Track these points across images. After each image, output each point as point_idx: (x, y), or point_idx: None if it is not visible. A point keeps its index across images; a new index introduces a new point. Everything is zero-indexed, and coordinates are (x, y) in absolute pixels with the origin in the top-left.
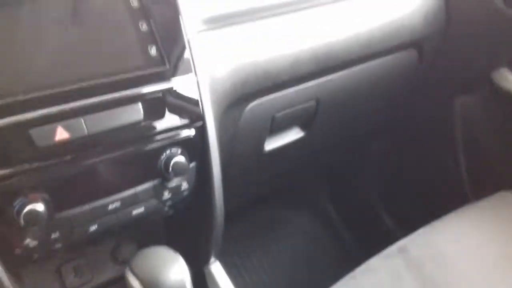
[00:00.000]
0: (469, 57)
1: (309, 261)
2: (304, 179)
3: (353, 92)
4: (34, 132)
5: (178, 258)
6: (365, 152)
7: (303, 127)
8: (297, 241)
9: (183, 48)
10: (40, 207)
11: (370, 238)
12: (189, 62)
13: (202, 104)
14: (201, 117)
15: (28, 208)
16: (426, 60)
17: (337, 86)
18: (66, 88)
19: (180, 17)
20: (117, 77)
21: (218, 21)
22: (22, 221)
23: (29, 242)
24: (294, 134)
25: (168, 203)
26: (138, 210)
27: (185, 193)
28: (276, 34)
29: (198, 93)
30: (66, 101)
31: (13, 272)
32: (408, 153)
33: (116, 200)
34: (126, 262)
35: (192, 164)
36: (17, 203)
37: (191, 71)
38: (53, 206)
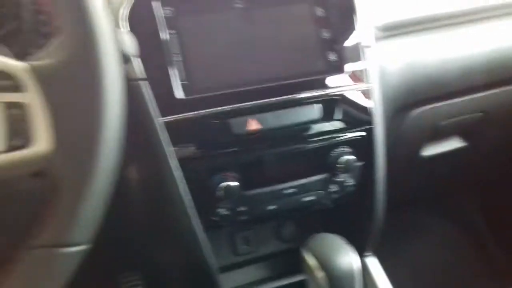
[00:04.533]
0: None
1: (452, 273)
2: (455, 187)
3: None
4: (232, 122)
5: (349, 246)
6: None
7: (465, 137)
8: (440, 251)
9: (360, 55)
10: (233, 183)
11: None
12: (365, 68)
13: (373, 109)
14: (371, 121)
15: (224, 183)
16: None
17: (509, 100)
18: (260, 86)
19: (358, 25)
20: (300, 80)
21: (393, 29)
22: (219, 194)
23: (222, 211)
24: (455, 143)
25: (334, 195)
26: (308, 198)
27: (350, 188)
28: (449, 44)
29: (371, 98)
30: (260, 97)
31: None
32: None
33: (292, 187)
34: (287, 240)
35: (359, 163)
36: (216, 179)
37: (365, 78)
38: (242, 184)
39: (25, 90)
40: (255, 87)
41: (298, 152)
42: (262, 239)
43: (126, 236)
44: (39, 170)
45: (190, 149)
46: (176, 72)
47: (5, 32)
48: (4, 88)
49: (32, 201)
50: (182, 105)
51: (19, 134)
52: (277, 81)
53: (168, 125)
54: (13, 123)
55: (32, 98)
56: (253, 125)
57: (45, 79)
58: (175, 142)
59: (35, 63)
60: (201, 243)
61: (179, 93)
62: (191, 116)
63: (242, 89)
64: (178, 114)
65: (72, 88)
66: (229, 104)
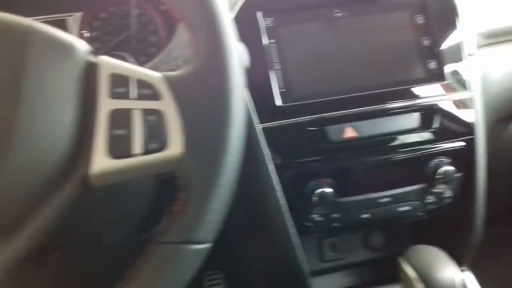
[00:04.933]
0: None
1: None
2: None
3: None
4: (329, 129)
5: (449, 259)
6: None
7: None
8: None
9: (462, 63)
10: (328, 190)
11: None
12: (467, 77)
13: (474, 118)
14: (472, 131)
15: (320, 190)
16: None
17: None
18: (357, 94)
19: (460, 32)
20: (399, 88)
21: (496, 36)
22: (313, 200)
23: (315, 217)
24: None
25: (430, 206)
26: (403, 208)
27: (448, 200)
28: None
29: (472, 108)
30: (357, 105)
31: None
32: None
33: (387, 196)
34: (375, 249)
35: (458, 174)
36: (311, 185)
37: (467, 86)
38: (337, 191)
39: (162, 99)
40: (352, 95)
41: (394, 161)
42: (349, 247)
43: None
44: (170, 171)
45: (287, 155)
46: (275, 80)
47: (118, 41)
48: (145, 96)
49: (162, 199)
50: (280, 112)
51: (155, 138)
52: (375, 89)
53: (266, 131)
54: (151, 128)
55: (167, 106)
56: (349, 133)
57: (178, 89)
58: (272, 147)
59: (168, 73)
60: (294, 246)
61: (278, 101)
62: (288, 123)
63: (339, 97)
64: (277, 120)
65: (202, 96)
66: (326, 112)
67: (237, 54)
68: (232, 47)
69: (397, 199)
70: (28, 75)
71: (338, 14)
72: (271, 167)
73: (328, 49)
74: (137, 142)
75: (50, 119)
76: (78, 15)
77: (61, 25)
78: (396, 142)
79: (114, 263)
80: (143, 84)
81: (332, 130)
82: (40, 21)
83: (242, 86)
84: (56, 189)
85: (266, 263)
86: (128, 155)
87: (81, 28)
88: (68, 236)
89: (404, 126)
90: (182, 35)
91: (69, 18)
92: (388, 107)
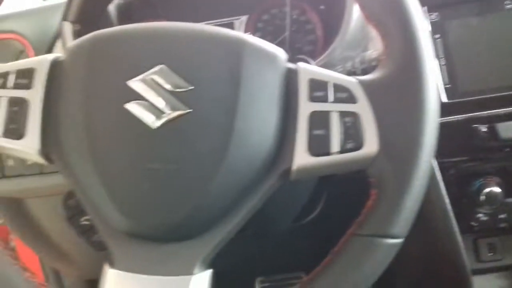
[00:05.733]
0: None
1: None
2: None
3: None
4: (499, 126)
5: None
6: None
7: None
8: None
9: None
10: (497, 189)
11: None
12: None
13: None
14: None
15: (488, 189)
16: None
17: None
18: None
19: None
20: None
21: None
22: (480, 199)
23: (481, 217)
24: None
25: None
26: None
27: None
28: None
29: None
30: None
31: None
32: None
33: None
34: None
35: None
36: (477, 184)
37: None
38: (505, 191)
39: (357, 101)
40: None
41: None
42: (508, 248)
43: None
44: (363, 169)
45: (452, 153)
46: (440, 75)
47: (278, 42)
48: (341, 99)
49: (357, 196)
50: (445, 109)
51: (352, 139)
52: None
53: None
54: (347, 129)
55: (362, 108)
56: None
57: (373, 92)
58: (436, 145)
59: (362, 78)
60: (459, 245)
61: (443, 97)
62: (454, 119)
63: (508, 93)
64: (441, 117)
65: (398, 98)
66: (494, 108)
67: (432, 57)
68: (428, 51)
69: None
70: (244, 81)
71: (509, 6)
72: (434, 164)
73: (497, 42)
74: (335, 142)
75: (260, 119)
76: (243, 18)
77: (229, 27)
78: None
79: (277, 246)
80: (339, 88)
81: (503, 128)
82: (212, 24)
83: (436, 89)
84: (261, 181)
85: (423, 262)
86: (327, 153)
87: (246, 30)
88: (251, 220)
89: None
90: (345, 35)
91: (236, 21)
92: None
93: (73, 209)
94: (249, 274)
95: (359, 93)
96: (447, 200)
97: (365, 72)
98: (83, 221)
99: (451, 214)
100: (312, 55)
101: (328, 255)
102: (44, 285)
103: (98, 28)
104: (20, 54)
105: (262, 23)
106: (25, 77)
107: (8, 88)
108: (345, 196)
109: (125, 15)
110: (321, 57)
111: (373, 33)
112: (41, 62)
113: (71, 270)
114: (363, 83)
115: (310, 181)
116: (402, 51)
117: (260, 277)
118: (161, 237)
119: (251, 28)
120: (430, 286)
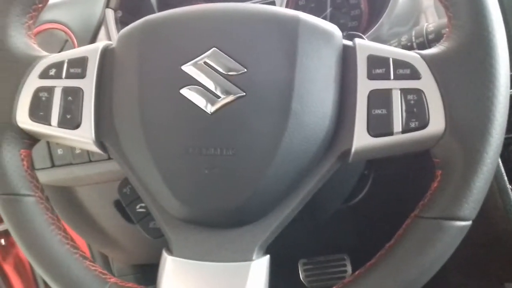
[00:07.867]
0: None
1: None
2: None
3: None
4: None
5: None
6: None
7: None
8: None
9: None
10: None
11: None
12: None
13: None
14: None
15: None
16: None
17: None
18: None
19: None
20: None
21: None
22: None
23: None
24: None
25: None
26: None
27: None
28: None
29: None
30: None
31: None
32: None
33: None
34: None
35: None
36: None
37: None
38: None
39: (421, 78)
40: None
41: None
42: None
43: None
44: (428, 149)
45: None
46: None
47: (322, 17)
48: (403, 76)
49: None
50: None
51: (415, 117)
52: None
53: None
54: (410, 107)
55: (426, 85)
56: None
57: (438, 67)
58: None
59: (424, 52)
60: None
61: None
62: None
63: None
64: None
65: (466, 72)
66: None
67: (503, 26)
68: (499, 20)
69: None
70: (300, 60)
71: None
72: None
73: None
74: (397, 121)
75: (317, 100)
76: None
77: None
78: None
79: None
80: (400, 64)
81: None
82: (252, 2)
83: (508, 63)
84: (319, 164)
85: (480, 244)
86: (388, 133)
87: (287, 7)
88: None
89: None
90: (393, 9)
91: None
92: None
93: (129, 196)
94: (292, 256)
95: (422, 68)
96: (505, 178)
97: (422, 46)
98: (139, 208)
99: (510, 192)
100: (357, 31)
101: (377, 238)
102: (104, 273)
103: (140, 14)
104: (65, 44)
105: (303, 0)
106: (78, 66)
107: (62, 78)
108: (391, 177)
109: (164, 1)
110: (368, 34)
111: (425, 4)
112: (93, 51)
113: (120, 255)
114: (426, 58)
115: (361, 161)
116: (470, 22)
117: (302, 259)
118: (218, 223)
119: (292, 5)
120: (488, 270)
